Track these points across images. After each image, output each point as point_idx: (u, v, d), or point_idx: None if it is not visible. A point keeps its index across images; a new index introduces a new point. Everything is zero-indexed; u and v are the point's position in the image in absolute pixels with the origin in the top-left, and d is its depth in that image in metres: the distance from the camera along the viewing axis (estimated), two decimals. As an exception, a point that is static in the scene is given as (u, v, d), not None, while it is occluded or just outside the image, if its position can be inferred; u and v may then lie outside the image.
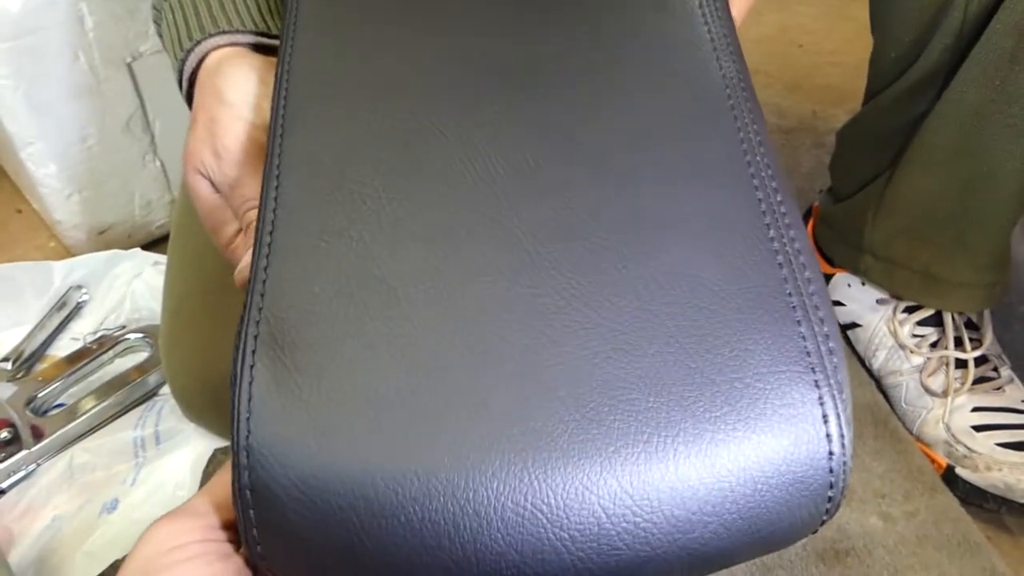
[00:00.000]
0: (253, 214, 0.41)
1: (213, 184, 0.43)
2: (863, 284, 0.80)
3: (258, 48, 0.46)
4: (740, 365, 0.28)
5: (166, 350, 0.63)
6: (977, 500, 0.72)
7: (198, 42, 0.45)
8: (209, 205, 0.44)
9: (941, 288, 0.73)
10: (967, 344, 0.75)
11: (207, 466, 0.70)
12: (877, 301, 0.80)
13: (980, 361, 0.75)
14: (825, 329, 0.30)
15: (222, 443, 0.71)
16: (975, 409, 0.73)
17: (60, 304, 0.83)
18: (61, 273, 0.85)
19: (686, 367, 0.28)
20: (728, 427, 0.27)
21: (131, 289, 0.83)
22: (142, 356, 0.79)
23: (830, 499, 0.28)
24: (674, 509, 0.26)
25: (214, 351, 0.58)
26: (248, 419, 0.26)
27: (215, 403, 0.60)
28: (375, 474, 0.25)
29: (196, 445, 0.70)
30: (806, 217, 0.91)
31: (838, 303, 0.84)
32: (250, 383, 0.27)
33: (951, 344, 0.75)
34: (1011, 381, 0.75)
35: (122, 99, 0.88)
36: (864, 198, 0.76)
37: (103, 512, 0.65)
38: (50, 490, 0.67)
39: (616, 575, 0.27)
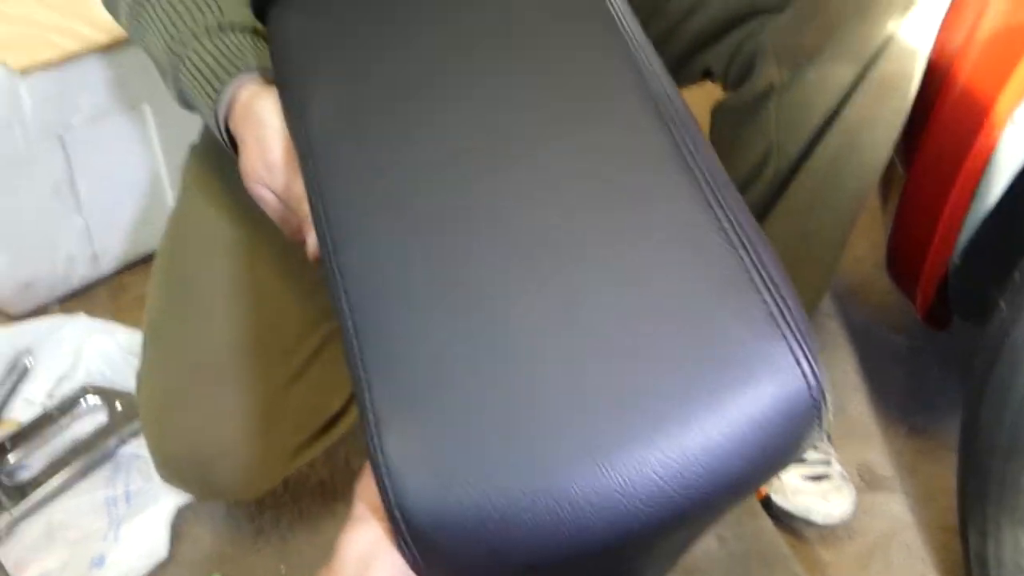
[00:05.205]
0: (305, 206, 0.53)
1: (271, 190, 0.59)
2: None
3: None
4: (726, 345, 0.37)
5: (156, 425, 0.72)
6: (786, 520, 0.95)
7: (232, 78, 0.59)
8: (273, 206, 0.59)
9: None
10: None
11: (173, 519, 0.81)
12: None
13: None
14: (782, 292, 0.38)
15: (186, 500, 0.82)
16: (785, 449, 0.96)
17: (11, 368, 0.90)
18: (6, 338, 0.92)
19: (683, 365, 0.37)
20: (727, 394, 0.36)
21: (82, 355, 0.91)
22: (99, 418, 0.88)
23: (819, 416, 0.37)
24: (711, 461, 0.35)
25: (204, 432, 0.70)
26: (392, 482, 0.36)
27: (200, 474, 0.72)
28: (491, 497, 0.35)
29: (164, 503, 0.81)
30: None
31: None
32: (384, 456, 0.37)
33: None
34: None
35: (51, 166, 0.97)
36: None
37: (92, 567, 0.75)
38: (33, 548, 0.77)
39: (675, 516, 0.36)
